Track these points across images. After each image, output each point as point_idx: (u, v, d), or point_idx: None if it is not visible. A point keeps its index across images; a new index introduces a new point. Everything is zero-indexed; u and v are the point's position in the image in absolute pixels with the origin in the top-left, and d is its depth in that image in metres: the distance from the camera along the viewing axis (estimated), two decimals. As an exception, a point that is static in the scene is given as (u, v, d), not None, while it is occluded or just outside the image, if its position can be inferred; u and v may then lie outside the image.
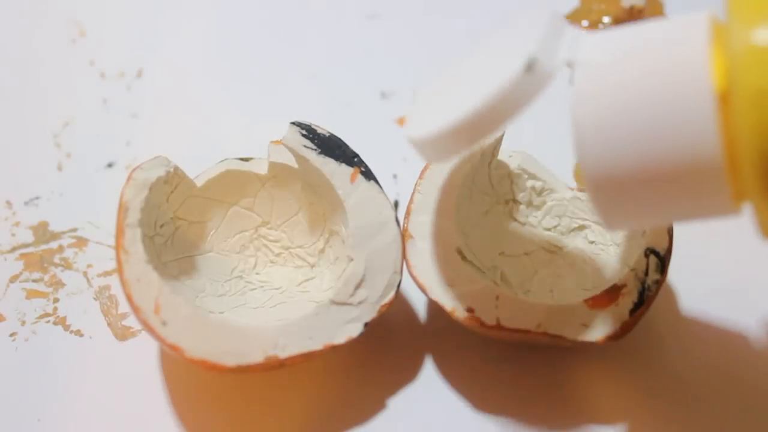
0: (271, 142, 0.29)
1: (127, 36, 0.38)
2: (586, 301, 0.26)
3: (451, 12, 0.39)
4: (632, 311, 0.26)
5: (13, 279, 0.30)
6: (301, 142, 0.28)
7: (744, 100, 0.18)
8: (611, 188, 0.20)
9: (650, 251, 0.27)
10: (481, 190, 0.29)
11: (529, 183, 0.30)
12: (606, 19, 0.36)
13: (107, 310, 0.30)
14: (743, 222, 0.32)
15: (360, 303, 0.26)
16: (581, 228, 0.30)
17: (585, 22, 0.36)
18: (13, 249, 0.31)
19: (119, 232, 0.25)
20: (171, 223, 0.28)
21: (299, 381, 0.28)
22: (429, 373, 0.28)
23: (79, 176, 0.33)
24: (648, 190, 0.20)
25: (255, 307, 0.28)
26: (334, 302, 0.26)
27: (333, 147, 0.28)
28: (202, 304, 0.27)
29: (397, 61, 0.37)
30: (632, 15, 0.35)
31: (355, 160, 0.28)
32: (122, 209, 0.26)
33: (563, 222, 0.30)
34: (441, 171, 0.28)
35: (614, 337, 0.26)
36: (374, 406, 0.27)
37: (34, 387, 0.28)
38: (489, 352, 0.28)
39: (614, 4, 0.37)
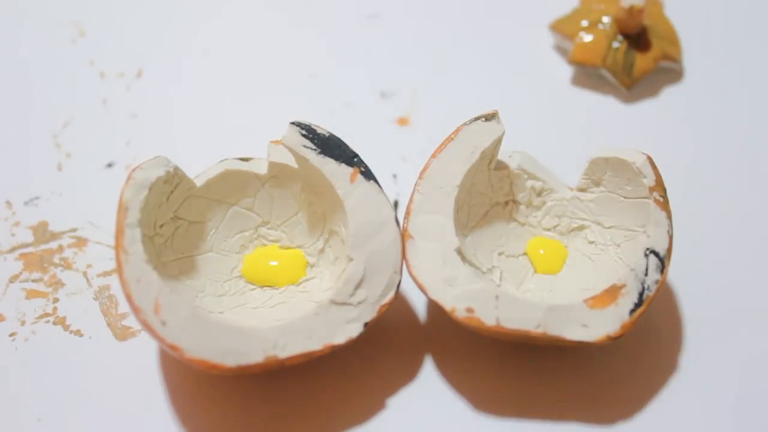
0: (271, 142, 0.29)
1: (127, 36, 0.38)
2: (586, 301, 0.26)
3: (451, 12, 0.39)
4: (632, 311, 0.26)
5: (13, 279, 0.30)
6: (300, 142, 0.28)
7: None
8: None
9: (650, 251, 0.27)
10: (480, 191, 0.29)
11: (529, 183, 0.30)
12: (606, 19, 0.36)
13: (107, 310, 0.30)
14: (743, 222, 0.32)
15: (360, 303, 0.26)
16: (581, 228, 0.30)
17: (585, 22, 0.36)
18: (13, 249, 0.31)
19: (119, 232, 0.25)
20: (171, 223, 0.28)
21: (299, 381, 0.28)
22: (429, 373, 0.28)
23: (79, 176, 0.33)
24: None
25: (255, 307, 0.28)
26: (334, 302, 0.26)
27: (333, 147, 0.28)
28: (202, 304, 0.27)
29: (397, 61, 0.37)
30: (632, 15, 0.35)
31: (355, 160, 0.28)
32: (122, 209, 0.26)
33: (563, 222, 0.30)
34: (441, 171, 0.28)
35: (614, 337, 0.26)
36: (374, 406, 0.27)
37: (34, 387, 0.28)
38: (489, 352, 0.28)
39: (614, 4, 0.37)
